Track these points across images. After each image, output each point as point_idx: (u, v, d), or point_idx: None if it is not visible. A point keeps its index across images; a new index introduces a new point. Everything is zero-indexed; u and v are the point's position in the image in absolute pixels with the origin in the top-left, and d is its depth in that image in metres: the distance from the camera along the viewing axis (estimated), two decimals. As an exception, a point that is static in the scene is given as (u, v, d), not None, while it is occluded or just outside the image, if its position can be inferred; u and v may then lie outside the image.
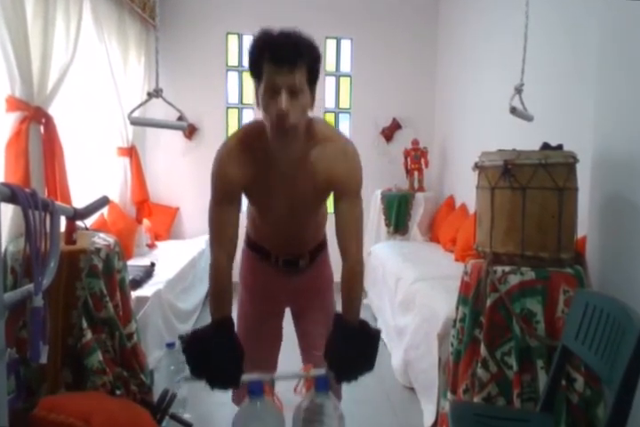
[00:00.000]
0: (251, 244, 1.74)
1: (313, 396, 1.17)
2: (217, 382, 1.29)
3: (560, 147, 2.00)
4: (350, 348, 1.33)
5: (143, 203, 4.26)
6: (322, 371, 1.26)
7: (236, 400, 1.81)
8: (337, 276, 1.76)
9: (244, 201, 1.56)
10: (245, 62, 5.03)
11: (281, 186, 1.46)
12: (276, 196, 1.48)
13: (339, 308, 1.47)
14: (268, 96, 1.30)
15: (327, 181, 1.44)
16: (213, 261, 1.44)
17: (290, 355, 1.87)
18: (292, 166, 1.44)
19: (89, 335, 1.76)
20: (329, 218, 1.70)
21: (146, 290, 3.00)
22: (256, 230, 1.70)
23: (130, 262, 2.85)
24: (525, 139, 2.32)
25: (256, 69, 1.33)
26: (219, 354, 1.30)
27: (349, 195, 1.45)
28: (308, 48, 1.32)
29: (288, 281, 1.71)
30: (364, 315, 1.45)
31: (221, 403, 2.62)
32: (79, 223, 1.97)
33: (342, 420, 1.17)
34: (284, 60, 1.26)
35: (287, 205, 1.50)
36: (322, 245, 1.77)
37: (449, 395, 1.98)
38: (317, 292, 1.77)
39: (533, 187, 1.84)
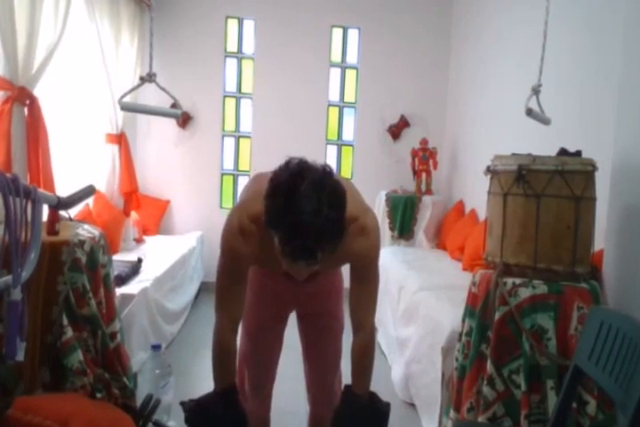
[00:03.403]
0: None
1: None
2: None
3: (578, 153, 2.00)
4: (359, 423, 1.39)
5: (131, 194, 4.26)
6: None
7: None
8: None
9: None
10: (245, 49, 5.09)
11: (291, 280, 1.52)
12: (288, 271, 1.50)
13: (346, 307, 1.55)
14: (285, 260, 1.28)
15: (344, 259, 1.51)
16: (218, 331, 1.50)
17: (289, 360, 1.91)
18: None
19: (69, 333, 1.75)
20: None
21: (131, 287, 3.01)
22: None
23: (115, 257, 2.84)
24: (541, 143, 2.33)
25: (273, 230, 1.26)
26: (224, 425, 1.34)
27: (367, 271, 1.53)
28: (332, 236, 1.24)
29: (297, 283, 1.70)
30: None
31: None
32: (62, 213, 1.97)
33: None
34: (303, 260, 1.24)
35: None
36: None
37: (452, 413, 1.98)
38: (327, 296, 1.81)
39: (549, 195, 1.85)
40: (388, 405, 1.47)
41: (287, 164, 1.23)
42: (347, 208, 1.33)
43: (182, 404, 1.36)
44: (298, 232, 1.18)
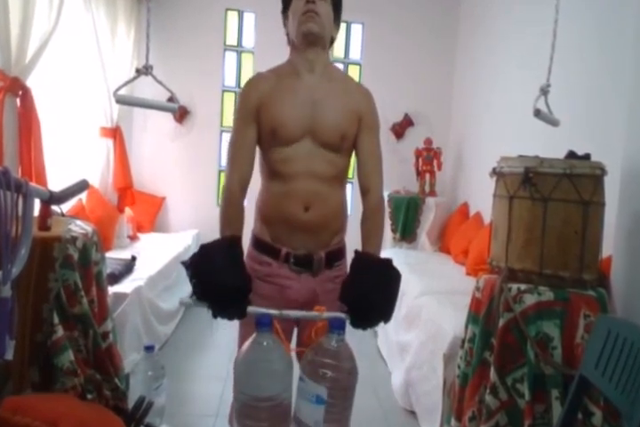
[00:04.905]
0: (257, 244, 1.69)
1: (326, 339, 1.17)
2: (221, 300, 1.30)
3: (587, 156, 1.99)
4: (368, 280, 1.36)
5: (126, 190, 4.26)
6: (337, 313, 1.28)
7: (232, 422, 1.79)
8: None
9: (256, 184, 1.65)
10: (245, 42, 5.09)
11: (303, 95, 1.60)
12: (297, 104, 1.59)
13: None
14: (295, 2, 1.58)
15: (352, 103, 1.62)
16: (225, 183, 1.60)
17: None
18: (316, 82, 1.62)
19: (60, 332, 1.75)
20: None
21: (125, 286, 3.01)
22: (267, 199, 1.66)
23: (108, 255, 2.83)
24: (549, 145, 2.33)
25: None
26: (224, 266, 1.32)
27: (372, 129, 1.65)
28: None
29: (299, 289, 1.63)
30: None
31: (201, 415, 2.65)
32: (54, 208, 1.97)
33: (355, 370, 1.17)
34: None
35: (307, 118, 1.58)
36: (340, 253, 1.71)
37: (453, 422, 1.99)
38: (331, 304, 1.70)
39: (556, 199, 1.85)
40: (399, 273, 1.45)
41: None
42: (343, 72, 1.79)
43: (183, 262, 1.37)
44: None
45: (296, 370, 1.21)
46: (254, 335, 1.16)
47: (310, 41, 1.59)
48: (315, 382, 1.13)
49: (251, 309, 1.27)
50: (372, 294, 1.34)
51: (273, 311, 1.24)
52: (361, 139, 1.63)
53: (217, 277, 1.30)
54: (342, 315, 1.27)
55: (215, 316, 1.31)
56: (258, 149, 1.66)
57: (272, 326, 1.17)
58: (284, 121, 1.58)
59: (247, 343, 1.16)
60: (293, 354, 1.26)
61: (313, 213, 1.59)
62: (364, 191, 1.63)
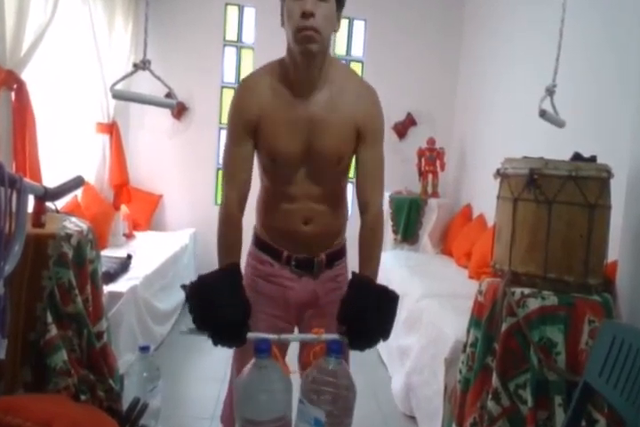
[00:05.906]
0: (259, 243, 1.72)
1: (324, 361, 1.18)
2: (221, 333, 1.31)
3: (593, 159, 1.99)
4: (366, 304, 1.36)
5: (122, 187, 4.26)
6: (335, 336, 1.30)
7: (225, 419, 1.80)
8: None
9: (256, 185, 1.62)
10: (245, 38, 5.08)
11: (300, 119, 1.52)
12: (294, 133, 1.53)
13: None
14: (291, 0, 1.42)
15: (350, 119, 1.53)
16: (223, 202, 1.55)
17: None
18: (314, 100, 1.53)
19: (54, 331, 1.75)
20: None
21: (120, 285, 3.02)
22: (267, 211, 1.67)
23: (104, 253, 2.83)
24: (554, 147, 2.33)
25: None
26: (224, 301, 1.32)
27: (373, 137, 1.56)
28: None
29: (300, 290, 1.66)
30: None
31: (197, 417, 2.65)
32: (49, 205, 1.97)
33: (353, 390, 1.18)
34: None
35: (305, 146, 1.54)
36: (341, 252, 1.74)
37: (454, 427, 1.99)
38: (331, 310, 1.63)
39: (561, 201, 1.85)
40: (397, 295, 1.44)
41: None
42: (343, 67, 1.67)
43: (184, 286, 1.37)
44: None
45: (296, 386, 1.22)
46: (253, 361, 1.17)
47: (308, 57, 1.49)
48: (313, 404, 1.14)
49: (250, 335, 1.29)
50: (369, 320, 1.35)
51: (272, 336, 1.26)
52: (361, 152, 1.57)
53: (216, 311, 1.31)
54: (339, 338, 1.29)
55: (216, 344, 1.32)
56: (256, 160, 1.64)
57: (271, 351, 1.18)
58: (279, 152, 1.55)
59: (246, 369, 1.17)
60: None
61: (313, 226, 1.61)
62: (362, 207, 1.57)
